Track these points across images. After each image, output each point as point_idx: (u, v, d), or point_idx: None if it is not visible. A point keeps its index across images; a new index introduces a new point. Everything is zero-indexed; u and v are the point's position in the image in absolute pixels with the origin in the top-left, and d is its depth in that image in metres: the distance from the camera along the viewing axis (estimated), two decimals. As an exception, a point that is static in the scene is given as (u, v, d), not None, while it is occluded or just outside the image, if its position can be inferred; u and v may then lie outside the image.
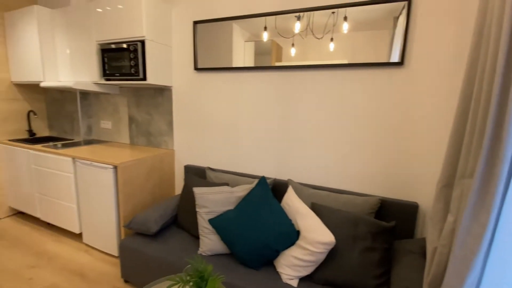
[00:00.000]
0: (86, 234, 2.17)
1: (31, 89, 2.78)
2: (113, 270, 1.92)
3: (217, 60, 2.05)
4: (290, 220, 1.44)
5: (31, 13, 2.27)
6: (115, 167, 1.90)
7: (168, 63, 2.21)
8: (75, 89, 2.32)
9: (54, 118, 2.93)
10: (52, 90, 2.86)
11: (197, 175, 2.21)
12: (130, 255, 1.65)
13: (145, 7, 1.92)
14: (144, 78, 2.05)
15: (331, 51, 1.66)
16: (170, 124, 2.37)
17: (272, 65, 1.85)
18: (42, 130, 2.91)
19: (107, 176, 1.92)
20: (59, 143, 2.31)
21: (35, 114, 2.66)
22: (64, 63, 2.41)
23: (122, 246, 1.67)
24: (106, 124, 2.71)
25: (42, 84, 2.31)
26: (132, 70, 2.02)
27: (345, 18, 1.59)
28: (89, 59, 2.24)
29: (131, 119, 2.56)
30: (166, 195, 2.37)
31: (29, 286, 1.73)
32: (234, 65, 1.98)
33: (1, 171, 2.59)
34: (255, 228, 1.42)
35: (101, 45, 2.19)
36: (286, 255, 1.38)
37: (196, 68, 2.14)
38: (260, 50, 1.89)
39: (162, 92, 2.35)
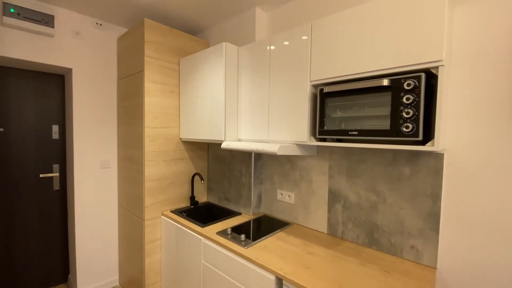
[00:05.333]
0: None
1: (196, 146, 2.30)
2: None
3: None
4: None
5: (219, 52, 1.74)
6: None
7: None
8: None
9: (214, 180, 2.35)
10: (217, 146, 2.31)
11: None
12: None
13: (448, 6, 0.97)
14: (425, 140, 1.04)
15: None
16: (431, 217, 1.25)
17: None
18: (200, 194, 2.37)
19: None
20: (242, 235, 1.54)
21: (202, 179, 2.10)
22: (246, 116, 1.75)
23: None
24: (286, 196, 1.86)
25: (224, 145, 1.67)
26: (403, 127, 1.04)
27: None
28: (288, 109, 1.46)
29: (335, 196, 1.61)
30: None
31: None
32: None
33: (160, 250, 2.06)
34: None
35: (316, 86, 1.38)
36: None
37: (537, 116, 0.99)
38: None
39: (414, 158, 1.29)
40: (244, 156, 2.07)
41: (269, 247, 1.43)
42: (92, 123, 2.23)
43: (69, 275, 2.41)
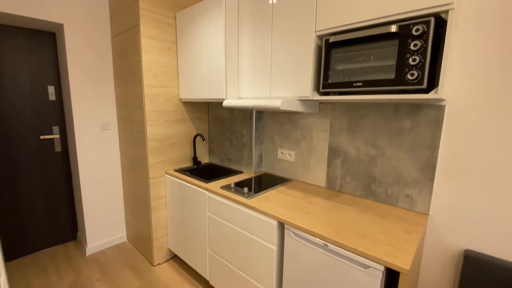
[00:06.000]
0: None
1: (196, 107, 2.29)
2: None
3: None
4: None
5: (219, 2, 1.65)
6: (390, 272, 0.95)
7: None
8: (254, 108, 1.57)
9: (216, 142, 2.38)
10: (217, 108, 2.30)
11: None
12: None
13: None
14: (429, 88, 1.05)
15: None
16: (427, 167, 1.31)
17: None
18: (202, 156, 2.41)
19: (366, 280, 0.99)
20: (245, 188, 1.61)
21: (203, 139, 2.12)
22: (247, 72, 1.71)
23: None
24: (287, 155, 1.91)
25: (226, 103, 1.66)
26: (409, 75, 1.04)
27: None
28: (291, 63, 1.44)
29: (335, 152, 1.65)
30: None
31: None
32: None
33: (166, 207, 2.15)
34: None
35: (321, 37, 1.34)
36: None
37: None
38: None
39: (415, 110, 1.31)
40: (244, 117, 2.07)
41: (271, 198, 1.51)
42: (88, 84, 2.17)
43: (77, 233, 2.53)
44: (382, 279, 0.95)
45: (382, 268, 0.94)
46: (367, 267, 0.98)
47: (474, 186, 1.20)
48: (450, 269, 1.30)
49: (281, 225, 1.32)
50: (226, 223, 1.59)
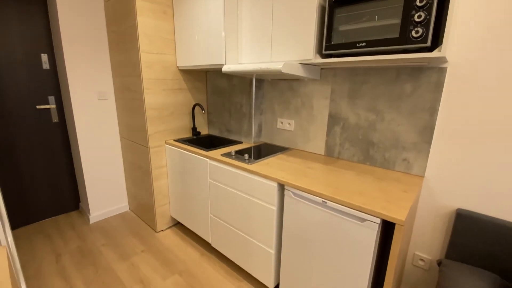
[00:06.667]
0: (286, 297, 1.44)
1: (194, 76, 2.25)
2: None
3: None
4: None
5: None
6: (386, 223, 1.00)
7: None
8: (253, 74, 1.55)
9: (215, 113, 2.37)
10: (216, 77, 2.26)
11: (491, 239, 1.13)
12: None
13: None
14: (432, 46, 1.04)
15: None
16: (426, 131, 1.33)
17: None
18: (201, 127, 2.40)
19: (362, 234, 1.05)
20: (245, 155, 1.63)
21: (202, 109, 2.11)
22: (247, 35, 1.67)
23: None
24: (287, 124, 1.92)
25: (225, 69, 1.63)
26: (413, 32, 1.02)
27: None
28: (293, 24, 1.40)
29: (335, 119, 1.66)
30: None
31: None
32: None
33: (167, 176, 2.19)
34: None
35: (324, -4, 1.30)
36: None
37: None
38: None
39: (417, 73, 1.31)
40: (244, 86, 2.05)
41: (271, 164, 1.54)
42: (83, 52, 2.10)
43: (80, 203, 2.58)
44: (378, 231, 1.01)
45: (378, 220, 0.99)
46: (363, 220, 1.03)
47: (469, 149, 1.23)
48: (442, 226, 1.37)
49: (281, 187, 1.35)
50: (227, 188, 1.63)
